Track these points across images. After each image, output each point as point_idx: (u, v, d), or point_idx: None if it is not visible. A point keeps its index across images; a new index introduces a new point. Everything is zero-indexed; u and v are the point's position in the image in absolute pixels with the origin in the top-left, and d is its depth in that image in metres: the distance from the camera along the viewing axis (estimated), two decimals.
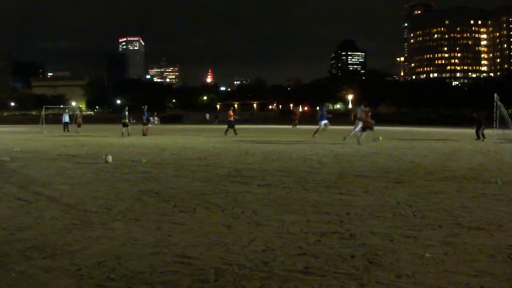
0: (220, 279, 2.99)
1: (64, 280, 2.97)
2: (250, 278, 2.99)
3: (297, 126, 35.89)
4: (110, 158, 10.05)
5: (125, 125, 23.79)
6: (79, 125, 31.39)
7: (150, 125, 28.20)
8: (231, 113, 24.87)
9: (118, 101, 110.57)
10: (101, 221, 4.58)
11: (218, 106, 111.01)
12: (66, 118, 32.35)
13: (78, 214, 4.91)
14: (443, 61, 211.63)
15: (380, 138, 18.07)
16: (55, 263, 3.30)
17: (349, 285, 2.89)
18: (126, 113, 24.61)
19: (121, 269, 3.17)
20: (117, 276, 3.04)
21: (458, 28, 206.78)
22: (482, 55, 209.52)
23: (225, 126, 25.41)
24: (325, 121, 21.83)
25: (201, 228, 4.29)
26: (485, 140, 18.36)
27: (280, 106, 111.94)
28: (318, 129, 21.58)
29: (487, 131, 19.91)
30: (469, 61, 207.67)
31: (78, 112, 35.56)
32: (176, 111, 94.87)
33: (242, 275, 3.05)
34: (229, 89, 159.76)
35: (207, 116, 71.68)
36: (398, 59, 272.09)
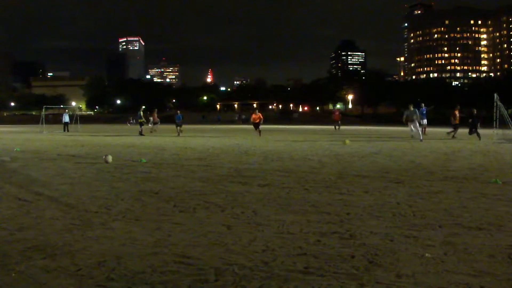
0: (220, 279, 2.99)
1: (64, 280, 2.97)
2: (250, 278, 2.99)
3: (339, 127, 30.88)
4: (110, 158, 10.05)
5: (141, 124, 25.04)
6: (155, 123, 27.76)
7: (150, 125, 28.20)
8: (254, 115, 23.40)
9: (118, 101, 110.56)
10: (101, 221, 4.58)
11: (218, 106, 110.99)
12: (66, 118, 32.40)
13: (78, 214, 4.91)
14: (443, 61, 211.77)
15: (347, 141, 16.78)
16: (55, 263, 3.30)
17: (349, 285, 2.89)
18: (141, 113, 25.81)
19: (121, 269, 3.17)
20: (117, 276, 3.04)
21: (458, 28, 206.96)
22: (482, 55, 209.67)
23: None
24: (425, 120, 23.25)
25: (201, 228, 4.29)
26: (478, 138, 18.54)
27: (280, 106, 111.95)
28: (423, 129, 23.07)
29: (487, 131, 19.91)
30: (469, 61, 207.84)
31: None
32: (176, 111, 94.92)
33: (242, 275, 3.05)
34: (229, 89, 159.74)
35: (237, 116, 72.96)
36: (398, 59, 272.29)
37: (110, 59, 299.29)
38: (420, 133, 19.04)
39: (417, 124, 19.50)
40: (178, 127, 24.38)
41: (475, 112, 20.29)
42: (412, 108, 19.77)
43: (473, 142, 17.78)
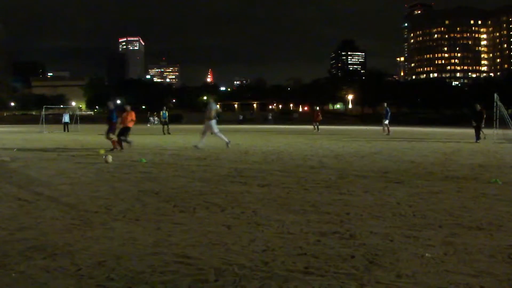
0: (220, 279, 2.99)
1: (64, 280, 2.97)
2: (250, 278, 2.99)
3: (319, 127, 29.73)
4: (110, 158, 10.05)
5: (165, 123, 26.60)
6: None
7: (149, 125, 28.77)
8: (128, 116, 13.66)
9: (118, 101, 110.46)
10: (101, 221, 4.58)
11: (218, 106, 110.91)
12: (66, 118, 32.45)
13: (78, 214, 4.90)
14: (443, 61, 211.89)
15: (102, 151, 12.20)
16: (55, 263, 3.29)
17: (349, 285, 2.89)
18: (166, 113, 27.41)
19: (121, 269, 3.16)
20: (117, 276, 3.03)
21: (458, 28, 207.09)
22: (482, 55, 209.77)
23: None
24: (387, 121, 24.24)
25: (201, 228, 4.29)
26: (483, 139, 18.28)
27: (280, 106, 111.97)
28: (386, 127, 24.30)
29: (487, 131, 19.87)
30: (469, 61, 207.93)
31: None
32: (176, 111, 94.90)
33: (242, 275, 3.05)
34: (229, 89, 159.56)
35: (270, 116, 75.07)
36: (398, 59, 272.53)
37: (110, 59, 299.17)
38: (213, 136, 13.96)
39: (214, 126, 13.55)
40: (113, 137, 13.16)
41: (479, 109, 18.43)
42: (211, 101, 14.38)
43: (472, 142, 17.77)
